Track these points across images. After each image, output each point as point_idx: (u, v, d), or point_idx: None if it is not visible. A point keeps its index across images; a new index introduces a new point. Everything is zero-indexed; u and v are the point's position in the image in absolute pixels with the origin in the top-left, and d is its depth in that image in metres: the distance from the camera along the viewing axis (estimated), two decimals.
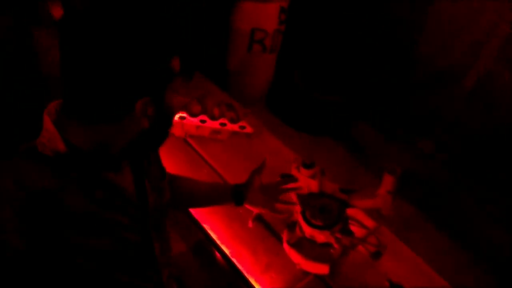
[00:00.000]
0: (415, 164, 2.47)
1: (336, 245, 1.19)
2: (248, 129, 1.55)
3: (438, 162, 2.54)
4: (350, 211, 1.31)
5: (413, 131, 2.66)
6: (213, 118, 1.53)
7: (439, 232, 2.09)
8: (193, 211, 1.35)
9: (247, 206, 1.21)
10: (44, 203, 0.62)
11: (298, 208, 1.27)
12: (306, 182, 1.29)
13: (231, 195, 1.18)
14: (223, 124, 1.53)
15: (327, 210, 1.23)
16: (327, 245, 1.21)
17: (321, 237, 1.20)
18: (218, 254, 1.27)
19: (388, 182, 1.16)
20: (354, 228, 1.29)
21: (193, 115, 1.52)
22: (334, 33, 2.81)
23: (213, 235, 1.29)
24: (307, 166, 1.27)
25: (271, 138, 1.67)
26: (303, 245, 1.22)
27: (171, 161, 1.46)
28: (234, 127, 1.54)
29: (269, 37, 2.53)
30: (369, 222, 1.35)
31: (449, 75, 2.46)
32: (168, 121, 0.77)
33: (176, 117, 1.52)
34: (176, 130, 1.54)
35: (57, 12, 1.59)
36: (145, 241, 0.79)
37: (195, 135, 1.57)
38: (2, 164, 0.66)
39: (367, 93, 2.73)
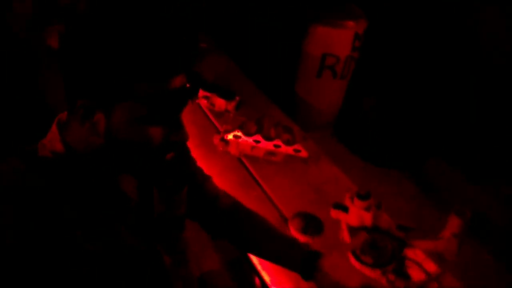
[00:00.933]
0: (495, 209, 2.20)
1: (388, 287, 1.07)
2: (303, 153, 1.48)
3: None
4: (408, 252, 1.17)
5: (496, 173, 2.37)
6: (268, 139, 1.50)
7: None
8: None
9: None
10: (40, 205, 0.61)
11: (348, 240, 1.17)
12: (359, 214, 1.18)
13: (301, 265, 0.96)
14: (277, 146, 1.48)
15: (379, 247, 1.11)
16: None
17: (371, 275, 1.08)
18: (257, 281, 1.20)
19: (454, 224, 1.02)
20: (413, 271, 1.14)
21: (248, 134, 1.50)
22: (409, 60, 2.65)
23: (255, 260, 1.23)
24: (362, 197, 1.17)
25: (328, 165, 1.58)
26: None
27: (223, 179, 1.44)
28: (289, 149, 1.48)
29: (340, 63, 2.47)
30: (431, 266, 1.19)
31: None
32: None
33: (231, 135, 1.51)
34: (231, 149, 1.53)
35: (55, 43, 1.64)
36: (151, 252, 0.75)
37: (250, 155, 1.54)
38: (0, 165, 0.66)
39: (444, 125, 2.52)
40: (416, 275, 1.15)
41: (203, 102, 1.79)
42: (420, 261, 1.20)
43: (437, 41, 2.54)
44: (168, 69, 0.64)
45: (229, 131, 1.53)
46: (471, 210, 1.00)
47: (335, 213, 1.23)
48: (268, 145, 1.48)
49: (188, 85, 0.67)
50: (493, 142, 2.39)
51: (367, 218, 1.17)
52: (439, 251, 1.08)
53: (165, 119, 0.67)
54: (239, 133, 1.50)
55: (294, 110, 2.57)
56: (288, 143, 1.50)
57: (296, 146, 1.49)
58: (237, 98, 1.77)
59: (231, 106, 1.75)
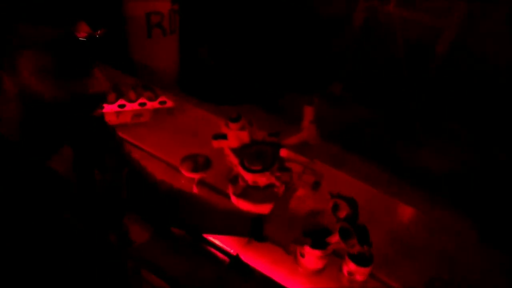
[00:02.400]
0: (331, 109, 2.67)
1: (278, 183, 1.28)
2: (169, 103, 1.56)
3: (348, 102, 2.76)
4: (283, 153, 1.41)
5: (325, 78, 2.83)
6: (131, 101, 1.52)
7: (364, 162, 2.31)
8: None
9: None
10: None
11: (235, 161, 1.33)
12: (237, 135, 1.35)
13: (250, 229, 1.00)
14: (143, 104, 1.53)
15: (262, 155, 1.31)
16: (270, 186, 1.29)
17: (263, 179, 1.28)
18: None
19: (309, 113, 1.27)
20: (291, 166, 1.39)
21: (110, 103, 1.49)
22: (230, 3, 2.86)
23: None
24: (234, 119, 1.33)
25: (194, 109, 1.70)
26: (249, 193, 1.30)
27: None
28: (155, 104, 1.54)
29: (166, 19, 2.52)
30: (303, 159, 1.46)
31: None
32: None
33: None
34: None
35: None
36: (97, 232, 0.74)
37: (117, 124, 1.55)
38: None
39: (273, 55, 2.85)
40: (295, 167, 1.40)
41: None
42: (294, 157, 1.45)
43: None
44: (70, 12, 0.59)
45: None
46: (317, 97, 1.25)
47: (216, 143, 1.38)
48: (134, 106, 1.51)
49: (97, 34, 0.63)
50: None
51: (245, 136, 1.35)
52: (304, 140, 1.33)
53: (77, 71, 0.62)
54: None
55: (136, 75, 2.56)
56: (151, 99, 1.55)
57: (161, 99, 1.55)
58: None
59: None
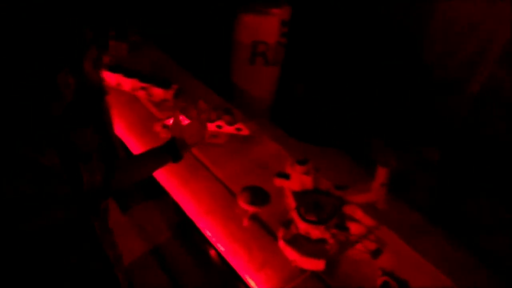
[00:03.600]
0: (421, 172, 2.44)
1: (331, 241, 1.18)
2: (245, 131, 1.56)
3: (443, 169, 2.49)
4: (348, 209, 1.29)
5: (419, 140, 2.63)
6: (210, 121, 1.55)
7: (445, 238, 2.04)
8: (188, 211, 1.35)
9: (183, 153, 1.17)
10: None
11: (292, 205, 1.26)
12: (300, 179, 1.28)
13: (167, 153, 1.13)
14: (219, 127, 1.54)
15: (321, 206, 1.22)
16: (322, 241, 1.19)
17: (315, 232, 1.18)
18: (213, 252, 1.26)
19: (381, 174, 1.15)
20: (353, 226, 1.27)
21: (190, 118, 1.54)
22: (335, 45, 2.84)
23: (208, 234, 1.28)
24: (300, 162, 1.27)
25: (270, 142, 1.67)
26: (298, 242, 1.21)
27: (168, 165, 1.48)
28: (231, 129, 1.55)
29: (271, 49, 2.58)
30: (369, 221, 1.33)
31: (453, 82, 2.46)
32: (94, 93, 0.79)
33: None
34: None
35: None
36: (82, 221, 0.78)
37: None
38: None
39: (371, 104, 2.73)
40: (357, 229, 1.27)
41: (141, 94, 1.79)
42: (359, 217, 1.33)
43: (357, 25, 2.74)
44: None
45: (169, 117, 1.56)
46: (395, 160, 1.13)
47: (278, 182, 1.32)
48: (211, 127, 1.53)
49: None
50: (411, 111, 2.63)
51: (308, 182, 1.27)
52: (371, 201, 1.21)
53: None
54: (180, 118, 1.53)
55: (232, 98, 2.64)
56: (230, 124, 1.56)
57: (238, 125, 1.56)
58: (175, 86, 1.80)
59: (169, 94, 1.77)
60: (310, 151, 2.58)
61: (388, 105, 2.72)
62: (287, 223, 1.27)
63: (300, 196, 1.28)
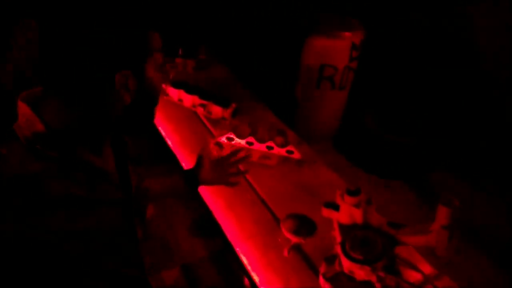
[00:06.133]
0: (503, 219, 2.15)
1: (378, 285, 1.04)
2: (296, 155, 1.48)
3: None
4: (402, 251, 1.14)
5: (504, 182, 2.33)
6: (261, 141, 1.50)
7: None
8: (228, 235, 1.29)
9: (203, 186, 1.20)
10: (25, 187, 0.62)
11: (338, 239, 1.14)
12: (350, 211, 1.17)
13: (185, 181, 1.16)
14: (270, 148, 1.48)
15: (370, 244, 1.09)
16: (367, 283, 1.06)
17: (360, 273, 1.05)
18: (246, 281, 1.18)
19: (443, 215, 1.00)
20: (407, 271, 1.12)
21: (241, 137, 1.50)
22: (408, 72, 2.66)
23: (245, 261, 1.21)
24: (352, 193, 1.15)
25: (324, 169, 1.57)
26: (340, 281, 1.09)
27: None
28: (281, 151, 1.48)
29: (338, 74, 2.48)
30: (427, 268, 1.16)
31: None
32: (152, 98, 0.77)
33: (224, 138, 1.52)
34: (225, 151, 1.53)
35: None
36: (127, 226, 0.75)
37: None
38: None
39: (445, 137, 2.50)
40: (411, 276, 1.12)
41: (200, 110, 1.81)
42: (415, 261, 1.17)
43: (434, 49, 2.55)
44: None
45: (223, 135, 1.54)
46: (459, 199, 0.97)
47: (326, 212, 1.22)
48: (261, 147, 1.48)
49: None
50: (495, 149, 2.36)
51: (358, 215, 1.15)
52: (430, 245, 1.05)
53: None
54: (232, 136, 1.50)
55: (295, 122, 2.58)
56: (281, 146, 1.50)
57: (289, 148, 1.49)
58: (233, 105, 1.79)
59: (227, 113, 1.76)
60: (373, 182, 2.43)
61: (462, 137, 2.48)
62: (331, 259, 1.15)
63: (347, 230, 1.16)
